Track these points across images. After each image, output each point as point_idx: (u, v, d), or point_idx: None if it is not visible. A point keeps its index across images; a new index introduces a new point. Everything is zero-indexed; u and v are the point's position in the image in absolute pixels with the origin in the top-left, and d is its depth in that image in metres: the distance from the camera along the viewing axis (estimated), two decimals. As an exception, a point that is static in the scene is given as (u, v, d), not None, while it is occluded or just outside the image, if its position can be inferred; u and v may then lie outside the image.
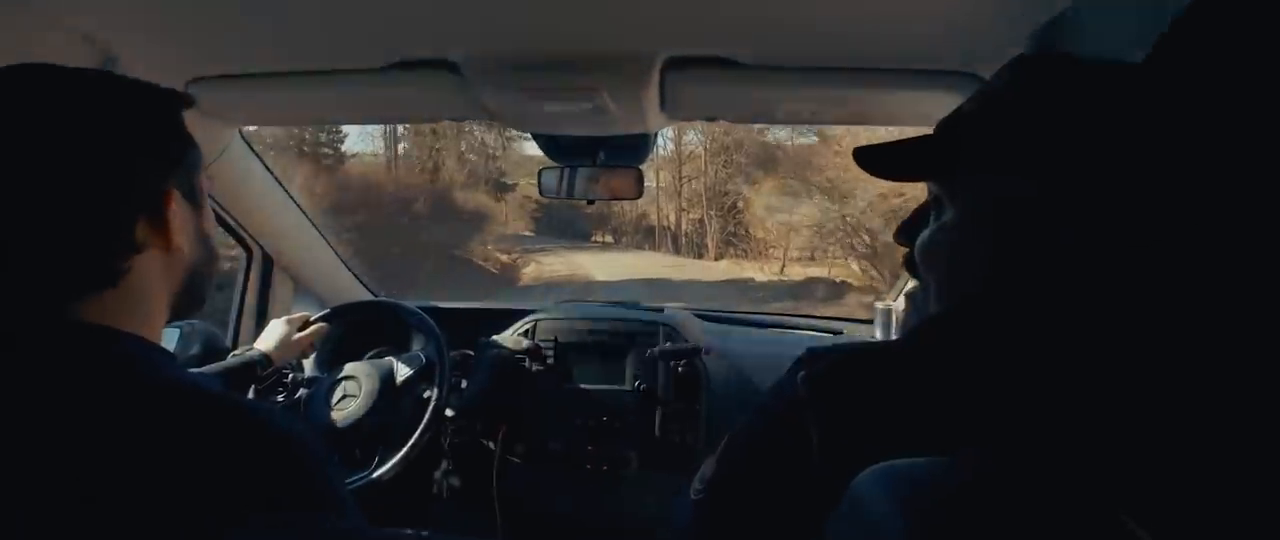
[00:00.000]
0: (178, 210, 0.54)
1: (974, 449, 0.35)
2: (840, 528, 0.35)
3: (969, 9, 0.71)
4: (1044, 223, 0.41)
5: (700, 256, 14.21)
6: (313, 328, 1.23)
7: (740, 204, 13.44)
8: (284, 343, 1.17)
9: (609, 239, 17.53)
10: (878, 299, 1.58)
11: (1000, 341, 0.41)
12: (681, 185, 15.14)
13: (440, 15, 0.75)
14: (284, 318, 1.22)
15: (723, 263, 13.33)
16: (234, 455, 0.45)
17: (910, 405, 0.40)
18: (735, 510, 0.51)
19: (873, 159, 0.48)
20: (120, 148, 0.50)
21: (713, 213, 14.24)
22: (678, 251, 15.06)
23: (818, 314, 1.80)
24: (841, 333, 1.62)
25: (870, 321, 1.61)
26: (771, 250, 12.58)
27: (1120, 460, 0.34)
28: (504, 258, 13.10)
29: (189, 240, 0.55)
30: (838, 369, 0.45)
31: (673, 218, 15.83)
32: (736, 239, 13.59)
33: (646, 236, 16.48)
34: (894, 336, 1.52)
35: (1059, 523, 0.30)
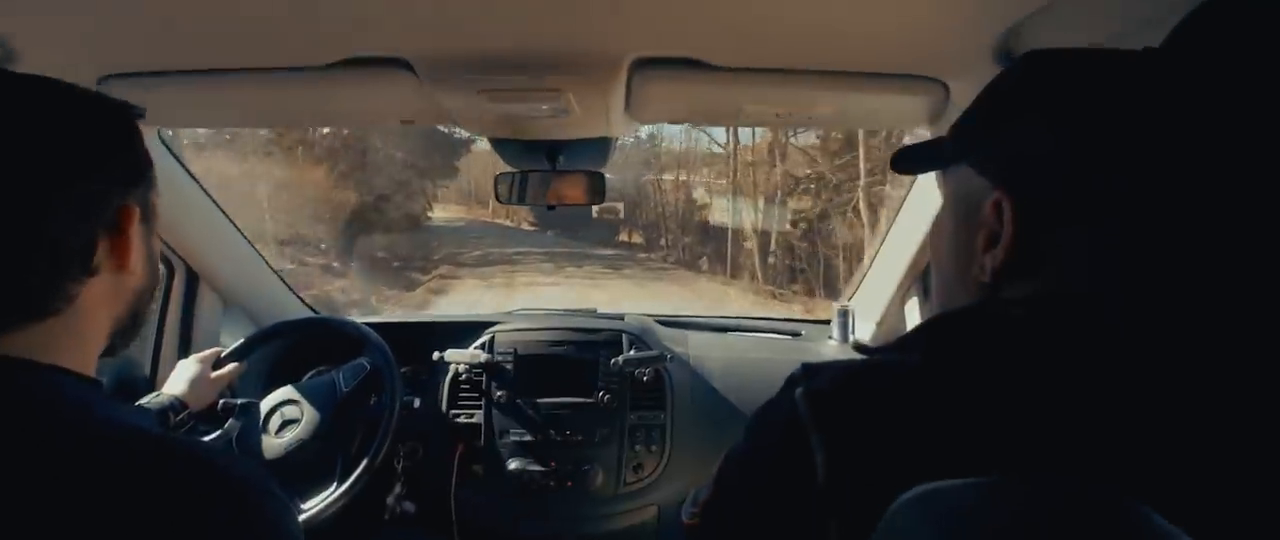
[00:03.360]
0: (137, 229, 0.50)
1: (1007, 472, 0.33)
2: None
3: (934, 15, 0.72)
4: (994, 213, 0.42)
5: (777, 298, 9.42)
6: (228, 368, 1.13)
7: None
8: (198, 384, 1.07)
9: (637, 240, 14.63)
10: (836, 300, 1.60)
11: (989, 348, 0.40)
12: (786, 190, 10.23)
13: (393, 9, 0.69)
14: (195, 356, 1.12)
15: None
16: (185, 505, 0.41)
17: (924, 424, 0.38)
18: (733, 537, 0.48)
19: (900, 158, 0.54)
20: (83, 161, 0.47)
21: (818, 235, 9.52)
22: (760, 279, 10.44)
23: (776, 316, 1.81)
24: (801, 334, 1.64)
25: (827, 321, 1.63)
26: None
27: (1147, 464, 0.33)
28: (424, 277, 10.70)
29: (141, 262, 0.51)
30: (842, 387, 0.42)
31: (751, 226, 10.73)
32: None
33: (702, 242, 11.91)
34: (853, 337, 1.54)
35: None
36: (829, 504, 0.38)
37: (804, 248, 9.95)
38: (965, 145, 0.48)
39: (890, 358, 0.46)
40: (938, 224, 0.51)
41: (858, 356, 0.49)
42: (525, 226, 16.50)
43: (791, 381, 0.44)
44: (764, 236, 10.72)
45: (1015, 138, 0.42)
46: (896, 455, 0.37)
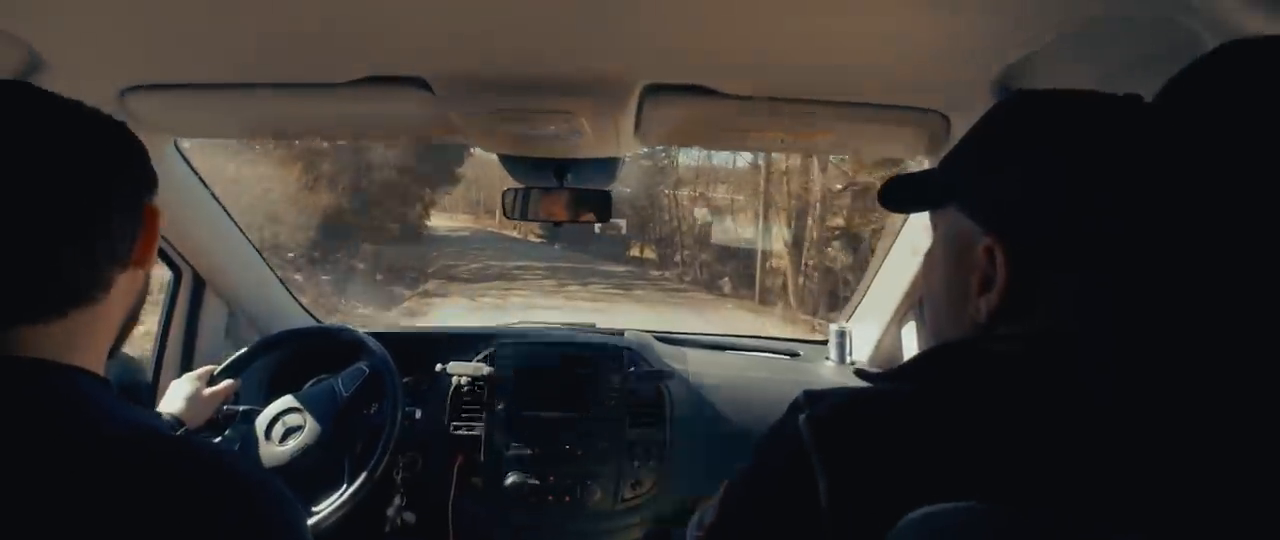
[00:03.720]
0: (155, 224, 0.52)
1: (1000, 500, 0.34)
2: None
3: (936, 50, 0.74)
4: (987, 258, 0.43)
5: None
6: (223, 385, 1.13)
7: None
8: (194, 402, 1.07)
9: (649, 255, 13.39)
10: (832, 321, 1.62)
11: (987, 382, 0.41)
12: (825, 202, 8.91)
13: (417, 31, 0.71)
14: (190, 374, 1.12)
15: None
16: (196, 505, 0.42)
17: (921, 452, 0.39)
18: None
19: (887, 194, 0.53)
20: (125, 160, 0.50)
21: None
22: (794, 304, 9.13)
23: (772, 336, 1.83)
24: (799, 355, 1.65)
25: (825, 342, 1.65)
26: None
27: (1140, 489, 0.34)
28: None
29: (153, 259, 0.54)
30: (843, 414, 0.43)
31: (782, 242, 9.46)
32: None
33: (721, 260, 10.65)
34: (850, 358, 1.55)
35: None
36: (832, 528, 0.39)
37: (842, 266, 8.83)
38: (955, 186, 0.48)
39: (889, 386, 0.47)
40: (930, 259, 0.52)
41: (858, 382, 0.51)
42: (532, 238, 15.76)
43: (795, 407, 0.45)
44: (796, 254, 9.62)
45: (1007, 181, 0.43)
46: (895, 481, 0.38)
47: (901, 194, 0.56)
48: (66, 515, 0.39)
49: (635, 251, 14.47)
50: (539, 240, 15.95)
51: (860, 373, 0.51)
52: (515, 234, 17.36)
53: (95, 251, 0.47)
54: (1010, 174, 0.43)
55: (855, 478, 0.40)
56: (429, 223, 13.79)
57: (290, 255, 8.57)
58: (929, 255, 0.52)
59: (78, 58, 0.78)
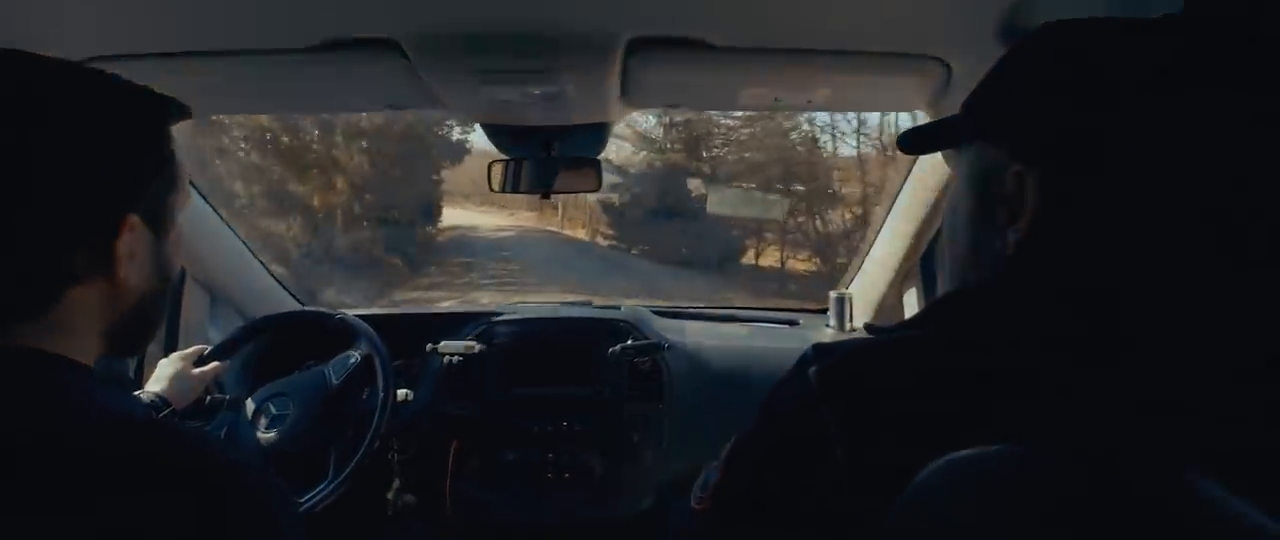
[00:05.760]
0: (132, 239, 0.47)
1: (1029, 439, 0.33)
2: (908, 523, 0.32)
3: None
4: (1016, 185, 0.41)
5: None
6: (211, 365, 1.09)
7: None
8: (181, 381, 1.03)
9: (800, 266, 8.67)
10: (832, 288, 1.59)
11: (1011, 321, 0.41)
12: None
13: None
14: (177, 354, 1.08)
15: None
16: (176, 490, 0.40)
17: (937, 397, 0.38)
18: (747, 522, 0.47)
19: (908, 138, 0.53)
20: (76, 162, 0.44)
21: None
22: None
23: (771, 306, 1.81)
24: (798, 323, 1.63)
25: (824, 311, 1.63)
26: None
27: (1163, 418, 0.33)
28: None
29: (140, 271, 0.48)
30: (853, 363, 0.42)
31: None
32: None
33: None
34: (850, 325, 1.53)
35: (1139, 504, 0.28)
36: (847, 478, 0.39)
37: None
38: (982, 120, 0.47)
39: (902, 334, 0.46)
40: (953, 203, 0.51)
41: (867, 337, 0.49)
42: (600, 239, 10.98)
43: (804, 361, 0.45)
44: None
45: (1036, 110, 0.41)
46: (911, 427, 0.38)
47: (927, 134, 0.55)
48: (40, 499, 0.37)
49: (754, 257, 9.29)
50: (609, 243, 11.48)
51: (870, 327, 0.50)
52: (581, 235, 12.95)
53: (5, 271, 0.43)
54: (1040, 101, 0.41)
55: (869, 427, 0.39)
56: (439, 225, 11.41)
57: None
58: (952, 201, 0.50)
59: (28, 29, 0.73)
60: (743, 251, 9.26)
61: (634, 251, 10.92)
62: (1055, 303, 0.39)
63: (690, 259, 9.28)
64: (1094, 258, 0.38)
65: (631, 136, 10.99)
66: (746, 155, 10.84)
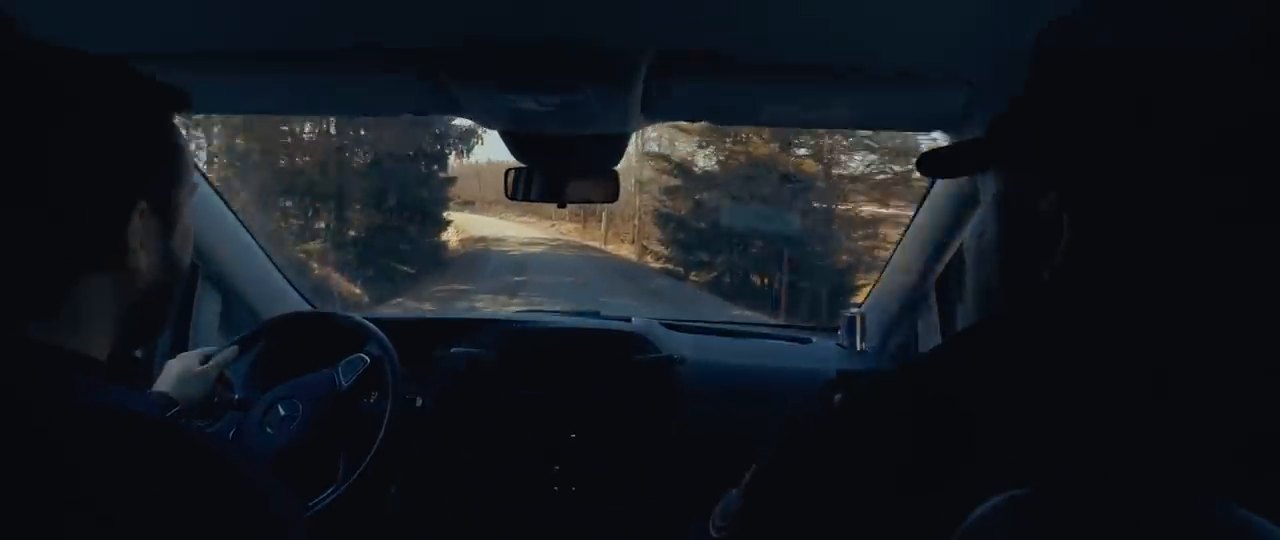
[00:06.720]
0: (142, 226, 0.47)
1: (1067, 473, 0.32)
2: None
3: (965, 13, 0.70)
4: (1050, 214, 0.40)
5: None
6: (217, 358, 1.07)
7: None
8: (189, 381, 1.02)
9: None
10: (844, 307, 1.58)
11: (1047, 355, 0.39)
12: None
13: None
14: (186, 353, 1.08)
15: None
16: (178, 490, 0.40)
17: (971, 432, 0.37)
18: None
19: (928, 161, 0.52)
20: (89, 148, 0.44)
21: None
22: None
23: (784, 323, 1.79)
24: (810, 341, 1.61)
25: (835, 330, 1.61)
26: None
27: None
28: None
29: (150, 260, 0.48)
30: (879, 395, 0.42)
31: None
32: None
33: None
34: (861, 344, 1.52)
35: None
36: (875, 513, 0.38)
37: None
38: (1010, 144, 0.46)
39: (929, 365, 0.45)
40: (978, 229, 0.50)
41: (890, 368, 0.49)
42: (650, 261, 9.18)
43: (827, 390, 0.44)
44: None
45: (1076, 140, 0.40)
46: (941, 462, 0.37)
47: (947, 158, 0.54)
48: (40, 498, 0.37)
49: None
50: (660, 266, 9.47)
51: (895, 357, 0.49)
52: (627, 253, 10.60)
53: (24, 265, 0.43)
54: (1074, 128, 0.40)
55: (895, 463, 0.38)
56: (446, 236, 9.67)
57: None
58: (978, 226, 0.49)
59: (56, 29, 0.74)
60: (776, 293, 7.06)
61: (693, 277, 8.80)
62: (1094, 337, 0.38)
63: (769, 292, 6.88)
64: (1135, 292, 0.37)
65: (696, 126, 8.07)
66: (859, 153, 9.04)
